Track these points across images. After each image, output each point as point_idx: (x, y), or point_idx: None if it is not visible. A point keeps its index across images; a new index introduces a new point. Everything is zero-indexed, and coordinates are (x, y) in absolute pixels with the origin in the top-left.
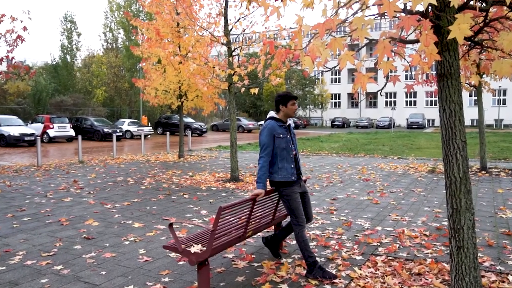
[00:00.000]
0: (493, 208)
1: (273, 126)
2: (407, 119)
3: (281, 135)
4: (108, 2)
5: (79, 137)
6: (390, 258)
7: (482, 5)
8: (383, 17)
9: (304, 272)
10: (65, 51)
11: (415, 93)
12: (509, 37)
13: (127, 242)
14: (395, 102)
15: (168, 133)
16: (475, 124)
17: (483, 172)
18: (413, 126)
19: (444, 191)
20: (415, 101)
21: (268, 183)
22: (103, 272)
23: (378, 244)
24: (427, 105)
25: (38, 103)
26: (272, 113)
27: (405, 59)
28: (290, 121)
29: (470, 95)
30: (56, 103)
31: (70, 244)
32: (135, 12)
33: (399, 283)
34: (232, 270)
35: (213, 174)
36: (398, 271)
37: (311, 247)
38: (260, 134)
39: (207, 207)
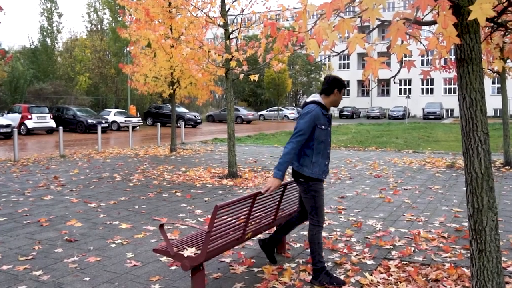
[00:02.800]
0: None
1: (318, 114)
2: (423, 109)
3: (323, 126)
4: None
5: (60, 128)
6: (405, 262)
7: None
8: None
9: (309, 278)
10: (44, 33)
11: (432, 80)
12: None
13: (113, 245)
14: (409, 90)
15: (158, 124)
16: (498, 115)
17: (507, 167)
18: (430, 117)
19: (464, 189)
20: (432, 89)
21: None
22: (87, 278)
23: (391, 247)
24: (445, 93)
25: (14, 91)
26: (317, 97)
27: (421, 43)
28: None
29: (493, 82)
30: (35, 91)
31: (50, 247)
32: None
33: None
34: (230, 275)
35: (208, 170)
36: (413, 277)
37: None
38: (300, 117)
39: (202, 206)
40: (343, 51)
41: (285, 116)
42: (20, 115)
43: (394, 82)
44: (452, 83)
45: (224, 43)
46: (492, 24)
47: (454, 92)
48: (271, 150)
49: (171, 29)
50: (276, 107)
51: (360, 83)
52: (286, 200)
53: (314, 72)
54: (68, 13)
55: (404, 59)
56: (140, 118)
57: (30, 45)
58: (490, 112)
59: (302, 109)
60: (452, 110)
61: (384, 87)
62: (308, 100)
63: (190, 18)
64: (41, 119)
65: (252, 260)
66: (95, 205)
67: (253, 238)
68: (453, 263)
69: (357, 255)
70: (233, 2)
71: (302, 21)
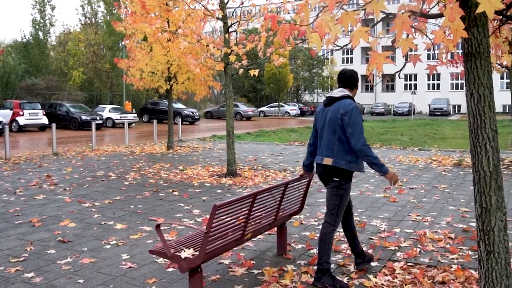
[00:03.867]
0: None
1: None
2: (429, 105)
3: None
4: None
5: (53, 125)
6: (410, 264)
7: None
8: None
9: (311, 280)
10: (37, 26)
11: (438, 75)
12: None
13: (108, 246)
14: (415, 85)
15: (155, 121)
16: (507, 111)
17: None
18: (436, 113)
19: (472, 188)
20: (438, 85)
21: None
22: (81, 281)
23: (396, 248)
24: (452, 89)
25: (6, 87)
26: (345, 91)
27: (427, 36)
28: None
29: (502, 78)
30: (27, 87)
31: (43, 248)
32: None
33: None
34: (229, 278)
35: (206, 168)
36: (419, 279)
37: (316, 250)
38: (353, 116)
39: (200, 205)
40: (346, 45)
41: (286, 112)
42: (11, 112)
43: (399, 77)
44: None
45: (223, 36)
46: (501, 17)
47: (462, 88)
48: (272, 147)
49: (168, 22)
50: (277, 103)
51: (364, 78)
52: (287, 199)
53: (316, 67)
54: (61, 5)
55: (409, 53)
56: (135, 115)
57: (22, 39)
58: (498, 109)
59: (342, 106)
60: (459, 106)
61: (389, 82)
62: (337, 95)
63: (187, 10)
64: (33, 115)
65: (252, 262)
66: (89, 204)
67: (253, 239)
68: (460, 265)
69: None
70: None
71: (304, 14)
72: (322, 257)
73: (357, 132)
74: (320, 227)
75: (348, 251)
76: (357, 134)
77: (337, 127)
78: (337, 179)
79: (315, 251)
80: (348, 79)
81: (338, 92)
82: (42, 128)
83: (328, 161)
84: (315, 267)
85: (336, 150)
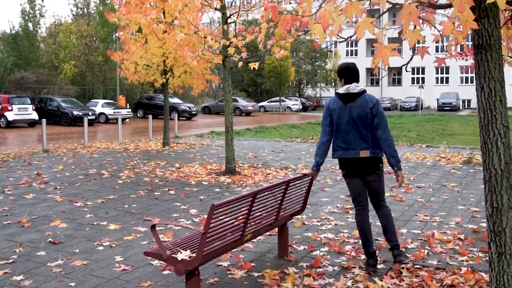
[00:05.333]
0: None
1: None
2: (437, 100)
3: None
4: None
5: (43, 121)
6: (417, 266)
7: None
8: None
9: (314, 283)
10: (26, 17)
11: (447, 68)
12: None
13: (101, 248)
14: (423, 79)
15: (150, 116)
16: None
17: None
18: (445, 108)
19: (482, 186)
20: (447, 78)
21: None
22: (72, 284)
23: (403, 249)
24: (461, 82)
25: None
26: (361, 86)
27: (435, 28)
28: None
29: None
30: (16, 80)
31: (33, 250)
32: None
33: None
34: (227, 281)
35: (204, 166)
36: (426, 282)
37: (321, 253)
38: (380, 108)
39: (197, 205)
40: (350, 36)
41: (287, 107)
42: None
43: (406, 71)
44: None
45: (221, 28)
46: None
47: (471, 82)
48: (272, 144)
49: (163, 12)
50: (278, 98)
51: (369, 71)
52: (288, 199)
53: (319, 59)
54: None
55: (417, 45)
56: (130, 110)
57: (11, 30)
58: (510, 103)
59: (369, 100)
60: (469, 101)
61: (395, 76)
62: (357, 91)
63: (184, 0)
64: (23, 110)
65: (251, 264)
66: (81, 204)
67: (252, 240)
68: (470, 267)
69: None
70: None
71: (306, 4)
72: (396, 235)
73: (385, 122)
74: (323, 227)
75: (353, 253)
76: (384, 125)
77: (368, 120)
78: (380, 165)
79: (317, 252)
80: (357, 73)
81: (355, 87)
82: (32, 124)
83: (365, 153)
84: (393, 247)
85: (371, 142)
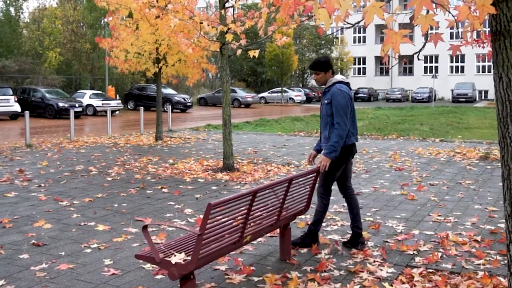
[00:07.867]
0: None
1: None
2: (452, 90)
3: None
4: None
5: (26, 113)
6: (430, 270)
7: None
8: None
9: None
10: (8, 1)
11: (462, 56)
12: None
13: (88, 250)
14: (436, 68)
15: (141, 108)
16: None
17: None
18: (460, 100)
19: (501, 184)
20: (462, 67)
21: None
22: None
23: (415, 252)
24: (478, 72)
25: None
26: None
27: (449, 12)
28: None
29: None
30: None
31: (15, 253)
32: None
33: None
34: (225, 286)
35: (200, 162)
36: None
37: (326, 256)
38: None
39: (193, 204)
40: (358, 22)
41: (290, 98)
42: None
43: (418, 59)
44: (486, 60)
45: (218, 13)
46: None
47: (489, 71)
48: (274, 138)
49: None
50: (280, 88)
51: (379, 60)
52: (291, 197)
53: (324, 47)
54: None
55: (429, 32)
56: (120, 101)
57: None
58: None
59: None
60: (486, 92)
61: (407, 64)
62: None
63: None
64: (4, 102)
65: (251, 268)
66: (67, 203)
67: (252, 242)
68: (487, 271)
69: (374, 261)
70: None
71: None
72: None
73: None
74: (328, 228)
75: (361, 256)
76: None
77: None
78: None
79: (322, 255)
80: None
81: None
82: (14, 116)
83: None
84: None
85: None
